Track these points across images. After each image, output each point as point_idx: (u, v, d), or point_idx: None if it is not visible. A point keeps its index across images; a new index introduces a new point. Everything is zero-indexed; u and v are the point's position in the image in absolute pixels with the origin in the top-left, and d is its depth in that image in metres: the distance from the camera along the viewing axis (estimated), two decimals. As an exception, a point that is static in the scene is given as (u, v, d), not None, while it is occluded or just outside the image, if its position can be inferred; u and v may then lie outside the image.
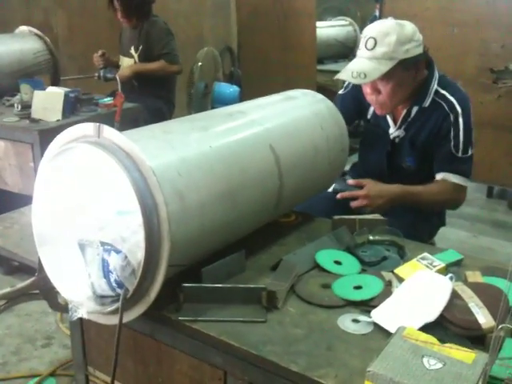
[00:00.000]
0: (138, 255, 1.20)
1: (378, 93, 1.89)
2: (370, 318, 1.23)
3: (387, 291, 1.32)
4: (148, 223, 1.14)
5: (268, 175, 1.47)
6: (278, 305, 1.28)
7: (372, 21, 5.79)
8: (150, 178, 1.16)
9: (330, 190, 1.90)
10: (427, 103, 1.94)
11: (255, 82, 4.77)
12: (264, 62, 4.84)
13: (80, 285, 1.30)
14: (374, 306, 1.26)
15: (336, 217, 1.69)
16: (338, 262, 1.47)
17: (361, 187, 1.89)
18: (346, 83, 2.18)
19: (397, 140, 2.05)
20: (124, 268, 1.19)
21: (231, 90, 4.21)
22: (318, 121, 1.71)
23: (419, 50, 1.85)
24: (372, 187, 1.88)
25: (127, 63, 3.78)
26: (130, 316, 1.22)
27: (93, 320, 1.28)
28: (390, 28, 1.80)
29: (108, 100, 3.18)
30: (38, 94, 2.89)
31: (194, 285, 1.27)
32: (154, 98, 3.75)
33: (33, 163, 2.71)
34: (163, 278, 1.17)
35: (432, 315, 1.16)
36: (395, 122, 2.04)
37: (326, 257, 1.48)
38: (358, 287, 1.34)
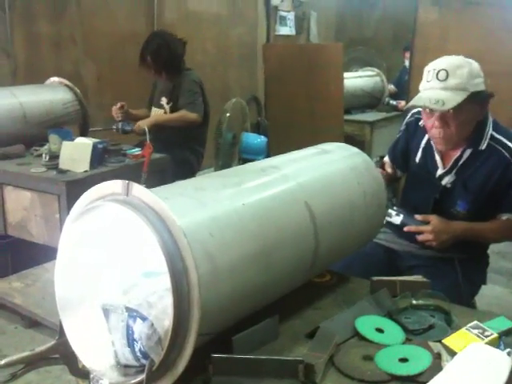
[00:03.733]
0: (165, 323, 1.12)
1: (447, 126, 1.86)
2: (419, 396, 1.11)
3: (436, 365, 1.20)
4: (177, 288, 1.06)
5: (303, 234, 1.39)
6: (317, 379, 1.17)
7: (402, 71, 5.80)
8: (180, 240, 1.08)
9: (398, 222, 1.95)
10: (483, 146, 1.91)
11: (282, 132, 4.74)
12: (291, 111, 4.83)
13: (102, 352, 1.21)
14: (423, 383, 1.14)
15: (375, 278, 1.58)
16: (379, 330, 1.36)
17: (427, 222, 1.91)
18: (401, 128, 2.20)
19: (448, 185, 1.99)
20: (150, 337, 1.10)
21: (259, 140, 4.18)
22: (354, 176, 1.63)
23: (484, 87, 1.85)
24: (438, 223, 1.90)
25: (155, 114, 3.78)
26: (156, 389, 1.12)
27: (115, 392, 1.18)
28: (461, 61, 1.83)
29: (136, 150, 3.16)
30: (66, 144, 2.88)
31: (224, 356, 1.17)
32: (181, 149, 3.72)
33: (59, 214, 2.67)
34: (192, 348, 1.07)
35: (491, 397, 1.04)
36: (444, 165, 2.00)
37: (367, 324, 1.37)
38: (404, 360, 1.22)
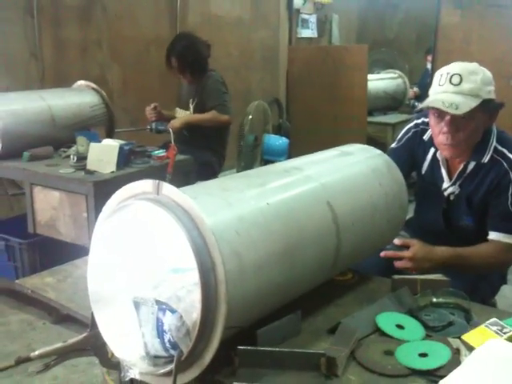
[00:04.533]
0: (193, 315, 1.17)
1: (456, 131, 1.81)
2: (439, 390, 1.14)
3: (455, 360, 1.23)
4: (205, 283, 1.11)
5: (326, 233, 1.43)
6: (338, 372, 1.21)
7: (424, 74, 5.79)
8: (208, 237, 1.13)
9: None
10: (486, 159, 1.88)
11: (304, 134, 4.78)
12: (313, 114, 4.86)
13: (133, 343, 1.27)
14: (442, 376, 1.17)
15: (396, 276, 1.62)
16: (400, 326, 1.39)
17: (407, 247, 1.79)
18: (400, 136, 2.14)
19: (452, 197, 1.98)
20: (179, 328, 1.16)
21: (280, 141, 4.23)
22: (375, 177, 1.66)
23: (494, 97, 1.82)
24: (419, 249, 1.77)
25: (181, 115, 3.85)
26: (183, 379, 1.17)
27: (145, 381, 1.24)
28: (475, 67, 1.80)
29: (160, 152, 3.23)
30: (93, 146, 2.96)
31: (250, 348, 1.22)
32: (204, 151, 3.78)
33: (86, 214, 2.75)
34: (219, 340, 1.12)
35: (508, 391, 1.07)
36: (450, 177, 1.98)
37: (388, 320, 1.41)
38: (424, 355, 1.26)
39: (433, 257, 1.78)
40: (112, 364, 1.45)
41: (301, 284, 1.40)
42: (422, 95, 5.62)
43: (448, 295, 1.53)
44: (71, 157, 3.07)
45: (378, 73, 5.97)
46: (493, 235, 1.88)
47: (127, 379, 1.24)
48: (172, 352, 1.18)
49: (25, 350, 2.75)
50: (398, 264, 1.79)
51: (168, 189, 1.21)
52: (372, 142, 4.12)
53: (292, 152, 4.40)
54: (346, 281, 1.68)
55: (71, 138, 3.26)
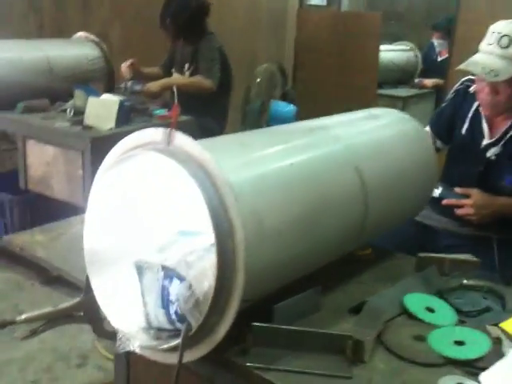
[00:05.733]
0: (204, 285, 1.02)
1: (496, 94, 1.80)
2: (479, 382, 1.01)
3: (496, 350, 1.09)
4: (221, 249, 0.96)
5: (352, 200, 1.28)
6: (365, 358, 1.07)
7: (429, 50, 5.58)
8: (226, 196, 0.98)
9: (436, 195, 1.84)
10: None
11: (310, 103, 4.57)
12: (321, 82, 4.66)
13: (132, 313, 1.12)
14: (482, 368, 1.04)
15: (422, 254, 1.47)
16: (429, 309, 1.25)
17: (467, 196, 1.83)
18: (447, 97, 2.11)
19: (493, 157, 1.88)
20: (187, 299, 1.01)
21: (288, 108, 4.03)
22: (405, 143, 1.51)
23: None
24: (479, 197, 1.82)
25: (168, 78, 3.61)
26: (190, 356, 1.03)
27: (145, 355, 1.09)
28: None
29: (162, 111, 3.05)
30: (92, 100, 2.77)
31: (266, 325, 1.07)
32: (203, 116, 3.55)
33: (82, 171, 2.58)
34: (234, 314, 0.98)
35: None
36: (491, 136, 1.90)
37: (416, 302, 1.26)
38: (460, 343, 1.12)
39: (492, 204, 1.83)
40: (106, 333, 1.32)
41: (322, 255, 1.25)
42: (426, 71, 5.43)
43: (478, 277, 1.39)
44: (68, 110, 2.89)
45: (391, 43, 5.73)
46: None
47: (123, 351, 1.10)
48: (178, 325, 1.04)
49: (11, 311, 2.61)
50: (459, 211, 1.83)
51: (181, 139, 1.05)
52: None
53: (300, 120, 4.21)
54: (365, 256, 1.53)
55: (68, 91, 3.07)
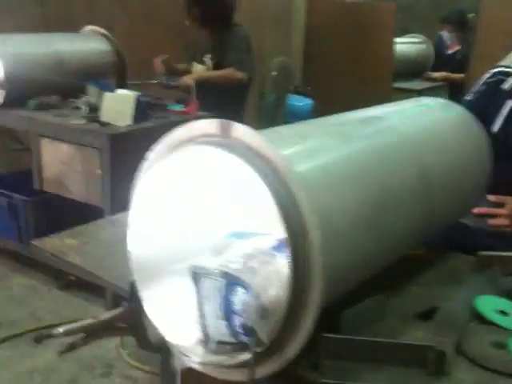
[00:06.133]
0: (270, 293, 0.92)
1: None
2: None
3: None
4: (296, 253, 0.85)
5: (416, 196, 1.17)
6: (446, 369, 0.97)
7: (438, 42, 5.44)
8: (297, 193, 0.87)
9: None
10: None
11: (322, 97, 4.45)
12: (334, 75, 4.53)
13: (188, 324, 1.02)
14: None
15: (483, 253, 1.37)
16: (502, 313, 1.15)
17: (501, 205, 1.64)
18: (475, 88, 1.91)
19: None
20: (256, 310, 0.90)
21: (304, 103, 3.92)
22: (463, 137, 1.40)
23: None
24: None
25: (199, 70, 3.53)
26: (259, 373, 0.92)
27: (204, 373, 0.99)
28: None
29: (180, 107, 2.95)
30: (108, 96, 2.67)
31: (338, 336, 0.97)
32: (220, 111, 3.45)
33: (100, 170, 2.47)
34: (311, 325, 0.87)
35: None
36: None
37: (488, 305, 1.16)
38: (547, 351, 1.02)
39: None
40: (152, 346, 1.21)
41: (389, 254, 1.16)
42: (435, 64, 5.32)
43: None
44: (82, 107, 2.79)
45: (399, 36, 5.62)
46: None
47: (180, 368, 1.00)
48: (243, 338, 0.93)
49: (30, 319, 2.51)
50: (492, 222, 1.63)
51: (241, 131, 0.95)
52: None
53: (314, 115, 4.10)
54: (420, 255, 1.43)
55: (79, 87, 2.98)
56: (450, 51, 5.16)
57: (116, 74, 3.37)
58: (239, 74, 3.34)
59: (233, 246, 1.03)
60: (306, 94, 4.50)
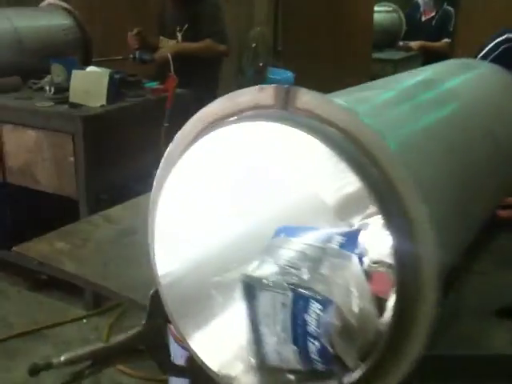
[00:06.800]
0: (354, 308, 0.71)
1: None
2: None
3: None
4: (400, 254, 0.64)
5: (490, 167, 0.99)
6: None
7: (414, 8, 5.27)
8: (397, 179, 0.66)
9: None
10: None
11: (300, 68, 4.21)
12: (312, 46, 4.29)
13: (232, 346, 0.81)
14: None
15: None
16: None
17: None
18: (484, 53, 1.72)
19: None
20: (340, 332, 0.69)
21: (286, 75, 3.69)
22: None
23: None
24: None
25: (167, 45, 3.25)
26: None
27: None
28: None
29: (154, 84, 2.69)
30: (77, 74, 2.38)
31: (431, 354, 0.77)
32: (194, 86, 3.21)
33: (73, 157, 2.20)
34: (423, 345, 0.66)
35: None
36: None
37: None
38: None
39: None
40: (178, 369, 0.99)
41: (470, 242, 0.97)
42: (410, 31, 5.16)
43: None
44: (47, 88, 2.50)
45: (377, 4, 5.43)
46: None
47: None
48: (320, 366, 0.72)
49: (1, 326, 2.24)
50: (502, 213, 1.36)
51: (305, 98, 0.72)
52: (372, 80, 3.63)
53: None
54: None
55: (41, 66, 2.67)
56: (424, 18, 4.99)
57: (80, 50, 3.06)
58: (221, 47, 3.13)
59: (286, 246, 0.82)
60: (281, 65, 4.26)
